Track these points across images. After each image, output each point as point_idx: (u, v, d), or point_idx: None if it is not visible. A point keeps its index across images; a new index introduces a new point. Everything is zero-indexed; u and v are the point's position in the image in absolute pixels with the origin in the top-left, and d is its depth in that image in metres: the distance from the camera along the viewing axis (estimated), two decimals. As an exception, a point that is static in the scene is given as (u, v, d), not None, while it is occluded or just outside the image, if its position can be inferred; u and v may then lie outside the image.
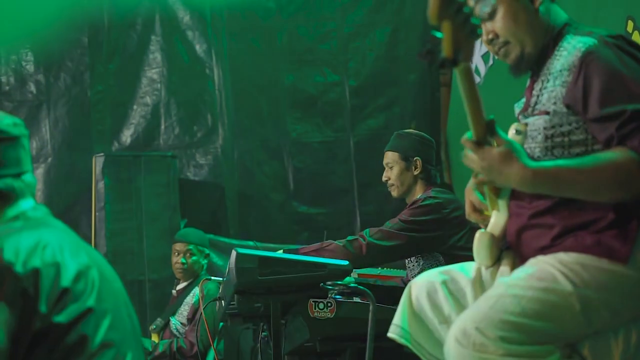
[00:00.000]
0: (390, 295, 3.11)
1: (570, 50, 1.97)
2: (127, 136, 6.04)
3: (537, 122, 1.99)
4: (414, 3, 5.97)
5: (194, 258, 4.78)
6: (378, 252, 3.30)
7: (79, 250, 1.66)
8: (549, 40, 2.05)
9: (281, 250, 3.27)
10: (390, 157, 3.56)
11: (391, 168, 3.54)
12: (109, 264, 1.79)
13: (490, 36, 2.08)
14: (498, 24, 2.05)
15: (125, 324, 1.66)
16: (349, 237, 3.31)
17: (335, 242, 3.29)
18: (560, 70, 1.97)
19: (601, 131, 1.89)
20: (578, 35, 2.00)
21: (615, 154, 1.84)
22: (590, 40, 1.94)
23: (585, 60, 1.91)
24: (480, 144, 1.84)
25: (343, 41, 6.14)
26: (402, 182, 3.52)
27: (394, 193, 3.57)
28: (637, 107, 1.83)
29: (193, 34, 6.09)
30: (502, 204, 2.03)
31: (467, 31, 1.62)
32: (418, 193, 3.51)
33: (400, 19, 6.10)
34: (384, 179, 3.58)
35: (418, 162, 3.50)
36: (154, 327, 4.76)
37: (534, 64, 2.07)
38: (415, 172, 3.51)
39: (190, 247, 4.78)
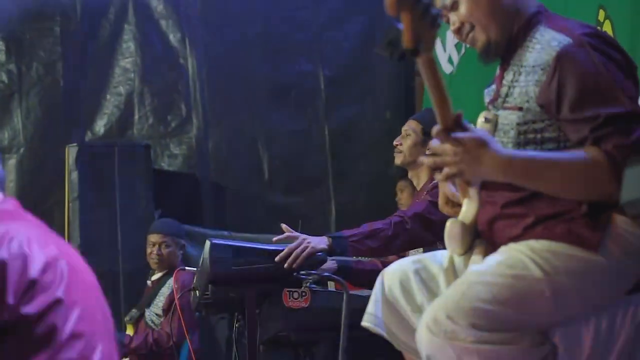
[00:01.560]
0: (371, 278, 3.10)
1: (544, 46, 1.95)
2: (100, 126, 6.00)
3: (509, 117, 1.98)
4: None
5: (170, 249, 4.76)
6: (421, 240, 3.20)
7: (47, 242, 1.65)
8: (519, 28, 2.05)
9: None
10: (412, 125, 3.45)
11: (408, 135, 3.44)
12: (80, 257, 1.78)
13: (457, 25, 2.07)
14: (462, 11, 2.05)
15: (96, 316, 1.65)
16: (391, 221, 3.13)
17: (382, 229, 3.09)
18: (534, 66, 1.95)
19: (574, 132, 1.89)
20: (552, 29, 1.98)
21: (588, 153, 1.84)
22: (565, 39, 1.93)
23: (560, 61, 1.90)
24: (449, 134, 1.83)
25: (318, 30, 6.12)
26: (411, 153, 3.41)
27: (398, 160, 3.48)
28: (611, 112, 1.84)
29: (167, 23, 6.04)
30: (472, 192, 2.03)
31: (427, 21, 1.61)
32: (423, 173, 3.44)
33: (376, 8, 6.08)
34: (395, 142, 3.48)
35: None
36: (129, 318, 4.74)
37: (503, 51, 2.07)
38: (428, 152, 3.45)
39: (166, 238, 4.76)
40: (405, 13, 1.59)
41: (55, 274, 1.59)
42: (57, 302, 1.56)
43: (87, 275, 1.69)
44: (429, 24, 1.62)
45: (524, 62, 1.99)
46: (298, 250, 2.90)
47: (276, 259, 2.87)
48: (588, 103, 1.86)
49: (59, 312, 1.56)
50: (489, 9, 2.03)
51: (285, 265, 2.87)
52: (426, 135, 3.41)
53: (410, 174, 3.58)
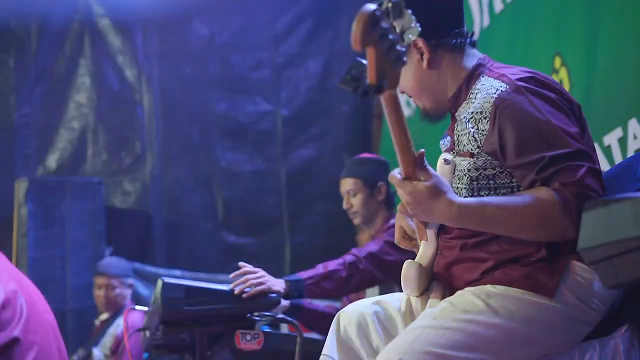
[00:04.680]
0: (323, 320, 3.07)
1: (483, 94, 1.97)
2: (52, 161, 5.90)
3: (462, 164, 2.00)
4: (348, 34, 6.00)
5: (116, 291, 4.70)
6: (375, 280, 3.17)
7: (7, 277, 1.60)
8: (461, 85, 2.07)
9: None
10: (352, 184, 3.44)
11: (354, 195, 3.43)
12: (39, 293, 1.72)
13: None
14: (401, 79, 2.07)
15: (53, 356, 1.60)
16: (345, 261, 3.11)
17: (337, 269, 3.07)
18: (473, 113, 1.97)
19: (523, 177, 1.90)
20: (491, 77, 2.01)
21: (538, 193, 1.85)
22: (502, 85, 1.95)
23: (498, 107, 1.92)
24: (406, 177, 1.82)
25: (276, 70, 6.14)
26: (367, 209, 3.42)
27: (357, 220, 3.47)
28: (554, 153, 1.85)
29: (123, 58, 6.01)
30: (430, 233, 2.02)
31: (392, 58, 1.61)
32: (379, 219, 3.44)
33: (334, 50, 6.14)
34: (345, 206, 3.46)
35: (383, 188, 3.41)
36: (76, 358, 4.64)
37: (445, 112, 2.10)
38: (380, 198, 3.42)
39: (112, 280, 4.69)
40: (370, 49, 1.59)
41: (15, 311, 1.54)
42: (15, 341, 1.51)
43: (45, 313, 1.64)
44: (393, 61, 1.61)
45: (468, 111, 2.00)
46: (253, 279, 2.84)
47: (231, 285, 2.81)
48: (530, 148, 1.88)
49: (15, 352, 1.51)
50: (415, 83, 2.08)
51: (236, 290, 2.79)
52: (371, 187, 3.41)
53: (368, 228, 3.57)
